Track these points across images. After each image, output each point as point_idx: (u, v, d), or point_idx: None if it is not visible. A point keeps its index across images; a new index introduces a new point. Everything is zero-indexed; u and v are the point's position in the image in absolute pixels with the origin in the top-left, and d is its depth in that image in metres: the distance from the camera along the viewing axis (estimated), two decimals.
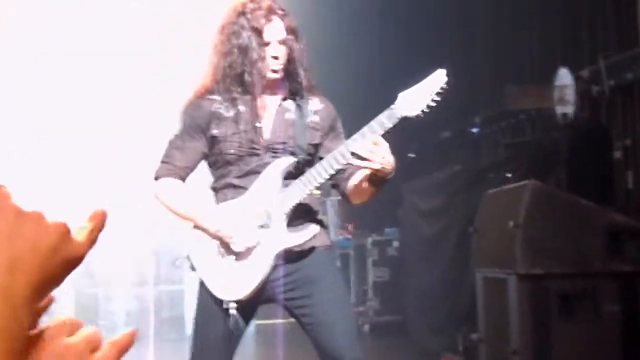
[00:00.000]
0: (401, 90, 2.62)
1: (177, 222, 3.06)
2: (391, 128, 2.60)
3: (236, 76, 2.77)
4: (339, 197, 3.05)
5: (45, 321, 0.71)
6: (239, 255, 2.74)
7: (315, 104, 2.89)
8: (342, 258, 8.25)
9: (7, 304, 0.62)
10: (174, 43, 7.68)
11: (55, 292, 0.72)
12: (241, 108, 2.78)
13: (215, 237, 2.76)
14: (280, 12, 2.80)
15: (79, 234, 0.70)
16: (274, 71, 2.79)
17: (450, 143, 7.89)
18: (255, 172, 2.79)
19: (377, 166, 2.57)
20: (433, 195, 6.53)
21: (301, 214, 2.79)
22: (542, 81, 5.62)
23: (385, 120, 2.60)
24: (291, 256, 2.77)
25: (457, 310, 5.70)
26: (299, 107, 2.86)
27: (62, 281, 0.68)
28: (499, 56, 7.06)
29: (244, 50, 2.75)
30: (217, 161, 2.84)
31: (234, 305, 2.72)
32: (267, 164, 2.78)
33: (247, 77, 2.75)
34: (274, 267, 2.75)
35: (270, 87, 2.83)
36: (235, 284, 2.73)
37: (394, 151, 2.60)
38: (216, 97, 2.82)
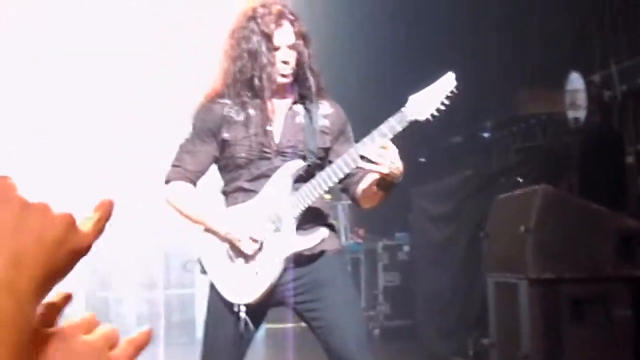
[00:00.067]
0: (410, 94, 2.63)
1: (187, 226, 3.07)
2: (401, 131, 2.60)
3: (246, 80, 2.78)
4: (350, 202, 3.05)
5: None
6: (248, 259, 2.75)
7: (325, 108, 2.90)
8: (353, 262, 8.24)
9: (12, 298, 0.62)
10: (174, 43, 7.69)
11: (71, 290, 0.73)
12: (251, 112, 2.79)
13: (225, 240, 2.77)
14: (290, 16, 2.81)
15: (85, 225, 0.70)
16: (284, 76, 2.80)
17: (461, 148, 7.87)
18: (266, 175, 2.79)
19: (385, 170, 2.57)
20: (444, 200, 6.52)
21: (311, 218, 2.79)
22: (554, 86, 5.60)
23: (396, 123, 2.60)
24: (301, 260, 2.77)
25: (467, 315, 5.68)
26: (308, 111, 2.86)
27: (68, 272, 0.68)
28: (510, 60, 7.04)
29: (253, 54, 2.76)
30: (228, 165, 2.85)
31: (244, 308, 2.72)
32: (278, 167, 2.79)
33: (256, 82, 2.76)
34: (284, 271, 2.75)
35: (280, 91, 2.84)
36: (245, 287, 2.74)
37: (405, 156, 2.60)
38: (227, 101, 2.83)
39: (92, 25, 7.59)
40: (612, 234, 3.90)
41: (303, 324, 2.90)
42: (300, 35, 2.81)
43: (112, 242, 7.90)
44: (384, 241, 8.15)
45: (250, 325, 2.74)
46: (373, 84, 8.25)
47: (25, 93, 7.49)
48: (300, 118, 2.86)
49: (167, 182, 2.89)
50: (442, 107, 2.62)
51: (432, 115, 2.62)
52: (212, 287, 2.81)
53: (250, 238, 2.73)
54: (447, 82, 2.63)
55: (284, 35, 2.78)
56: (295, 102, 2.88)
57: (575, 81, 5.19)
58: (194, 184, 2.88)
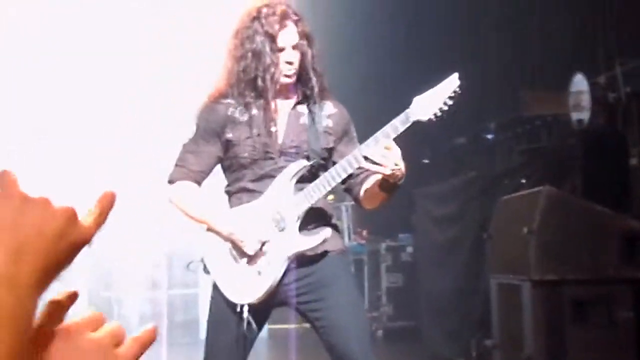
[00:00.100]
0: (414, 96, 2.63)
1: (191, 226, 3.07)
2: (404, 131, 2.61)
3: (250, 81, 2.79)
4: (353, 203, 3.06)
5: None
6: (252, 259, 2.75)
7: (328, 108, 2.90)
8: (356, 263, 8.24)
9: (12, 292, 0.62)
10: (174, 43, 7.69)
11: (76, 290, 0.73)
12: (255, 112, 2.80)
13: (228, 240, 2.77)
14: (294, 17, 2.81)
15: (87, 218, 0.70)
16: (287, 76, 2.80)
17: (465, 149, 7.87)
18: (270, 176, 2.80)
19: (388, 172, 2.57)
20: (447, 201, 6.52)
21: (315, 218, 2.80)
22: (558, 87, 5.60)
23: (399, 124, 2.60)
24: (304, 260, 2.77)
25: (470, 316, 5.68)
26: (312, 111, 2.87)
27: (68, 265, 0.68)
28: (514, 62, 7.04)
29: (257, 55, 2.76)
30: (232, 165, 2.86)
31: (246, 308, 2.72)
32: (282, 168, 2.79)
33: (260, 82, 2.77)
34: (287, 271, 2.75)
35: (284, 91, 2.85)
36: (248, 287, 2.74)
37: (408, 157, 2.61)
38: (230, 101, 2.83)
39: (92, 25, 7.60)
40: (616, 235, 3.89)
41: (306, 325, 2.90)
42: (304, 36, 2.81)
43: (115, 242, 7.91)
44: (387, 242, 8.15)
45: (253, 325, 2.75)
46: (376, 84, 8.25)
47: (25, 93, 7.49)
48: (304, 118, 2.86)
49: (170, 182, 2.89)
50: (446, 108, 2.62)
51: (436, 115, 2.62)
52: (215, 287, 2.82)
53: (254, 238, 2.73)
54: (451, 83, 2.64)
55: (288, 36, 2.78)
56: (298, 103, 2.88)
57: (580, 83, 5.19)
58: (198, 184, 2.89)
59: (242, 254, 2.76)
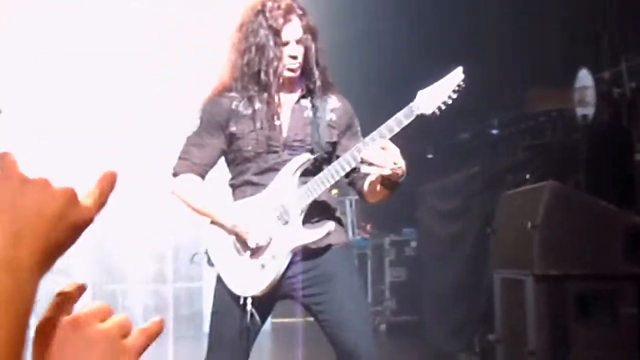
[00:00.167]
0: (418, 90, 2.64)
1: (195, 219, 3.08)
2: (408, 125, 2.61)
3: (253, 74, 2.79)
4: (357, 197, 3.06)
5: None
6: (255, 252, 2.76)
7: (332, 102, 2.91)
8: (360, 258, 8.25)
9: (12, 276, 0.63)
10: (174, 43, 7.69)
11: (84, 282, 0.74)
12: (258, 106, 2.80)
13: (232, 233, 2.78)
14: (299, 11, 2.81)
15: (87, 198, 0.70)
16: (291, 70, 2.80)
17: (469, 144, 7.87)
18: (274, 169, 2.80)
19: (387, 172, 2.57)
20: (451, 196, 6.52)
21: (318, 212, 2.80)
22: (563, 83, 5.59)
23: (403, 118, 2.61)
24: (308, 253, 2.78)
25: (473, 311, 5.68)
26: (316, 105, 2.87)
27: (69, 247, 0.68)
28: (519, 58, 7.03)
29: (261, 49, 2.77)
30: (236, 158, 2.86)
31: (250, 300, 2.73)
32: (285, 161, 2.80)
33: (263, 76, 2.77)
34: (291, 264, 2.76)
35: (288, 85, 2.85)
36: (251, 279, 2.75)
37: (413, 152, 2.61)
38: (234, 94, 2.83)
39: (92, 25, 7.60)
40: (620, 231, 3.89)
41: (309, 319, 2.91)
42: (308, 30, 2.81)
43: (119, 235, 7.93)
44: (391, 237, 8.16)
45: (257, 317, 2.76)
46: (381, 79, 8.25)
47: (25, 93, 7.50)
48: (308, 112, 2.87)
49: (174, 174, 2.90)
50: (450, 102, 2.63)
51: (439, 109, 2.63)
52: (219, 279, 2.83)
53: (258, 231, 2.74)
54: (456, 77, 2.64)
55: (292, 30, 2.78)
56: (302, 96, 2.89)
57: (584, 78, 5.18)
58: (202, 177, 2.89)
59: (245, 246, 2.77)
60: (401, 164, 2.58)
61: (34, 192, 0.66)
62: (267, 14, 2.77)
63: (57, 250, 0.67)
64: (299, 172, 2.79)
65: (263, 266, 2.75)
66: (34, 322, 0.67)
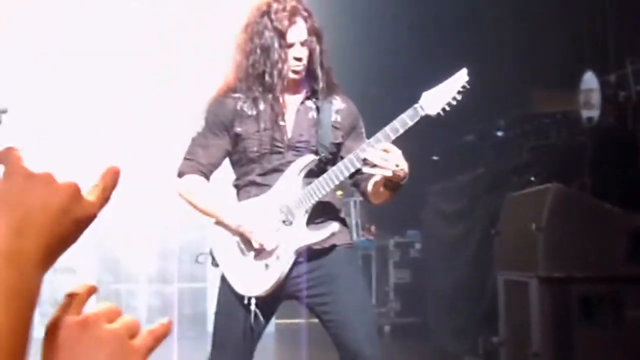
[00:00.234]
0: (423, 91, 2.64)
1: (200, 219, 3.09)
2: (413, 126, 2.61)
3: (258, 76, 2.80)
4: (362, 198, 3.07)
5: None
6: (259, 252, 2.76)
7: (337, 103, 2.91)
8: (364, 259, 8.25)
9: (16, 266, 0.63)
10: (174, 43, 7.69)
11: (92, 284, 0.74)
12: (262, 107, 2.81)
13: (236, 233, 2.79)
14: (304, 13, 2.82)
15: (91, 193, 0.71)
16: (295, 72, 2.81)
17: (474, 146, 7.86)
18: (278, 170, 2.81)
19: (389, 173, 2.58)
20: (456, 198, 6.52)
21: (323, 212, 2.81)
22: (568, 85, 5.59)
23: (408, 119, 2.61)
24: (312, 253, 2.79)
25: (477, 313, 5.68)
26: (320, 106, 2.87)
27: (73, 242, 0.69)
28: (524, 59, 7.02)
29: (266, 50, 2.77)
30: (240, 159, 2.87)
31: (254, 301, 2.74)
32: (290, 162, 2.80)
33: (267, 78, 2.78)
34: (295, 264, 2.77)
35: (292, 86, 2.86)
36: (255, 280, 2.76)
37: (417, 154, 2.61)
38: (239, 95, 2.84)
39: (92, 25, 7.60)
40: (624, 233, 3.89)
41: (313, 320, 2.91)
42: (313, 32, 2.82)
43: (124, 235, 7.94)
44: (396, 238, 8.15)
45: (261, 318, 2.76)
46: (387, 80, 8.25)
47: (25, 93, 7.51)
48: (313, 113, 2.88)
49: (179, 175, 2.91)
50: (454, 103, 2.63)
51: (444, 110, 2.63)
52: (223, 279, 2.83)
53: (262, 232, 2.74)
54: (460, 78, 2.64)
55: (297, 32, 2.79)
56: (307, 98, 2.89)
57: (590, 80, 5.18)
58: (207, 177, 2.90)
59: (250, 247, 2.77)
60: (403, 166, 2.59)
61: (39, 187, 0.67)
62: (273, 16, 2.77)
63: (61, 245, 0.68)
64: (303, 173, 2.79)
65: (267, 266, 2.75)
66: (38, 320, 0.67)
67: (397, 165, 2.56)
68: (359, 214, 8.55)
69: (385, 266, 8.18)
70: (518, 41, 7.17)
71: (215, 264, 2.85)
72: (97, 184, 0.73)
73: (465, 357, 5.79)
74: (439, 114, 2.63)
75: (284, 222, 2.77)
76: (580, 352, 3.78)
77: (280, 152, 2.82)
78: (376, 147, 2.59)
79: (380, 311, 7.93)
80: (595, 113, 5.07)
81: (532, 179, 5.30)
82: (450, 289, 6.23)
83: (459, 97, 2.63)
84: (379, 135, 2.64)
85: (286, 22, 2.77)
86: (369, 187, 2.84)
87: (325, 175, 2.74)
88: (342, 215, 2.96)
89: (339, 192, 3.09)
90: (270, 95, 2.80)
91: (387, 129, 2.63)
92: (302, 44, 2.79)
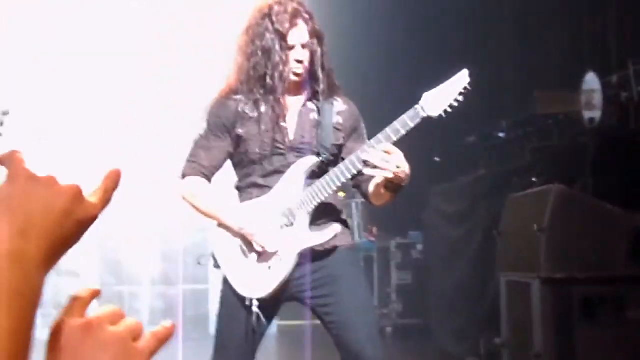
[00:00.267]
0: (423, 93, 2.64)
1: (202, 221, 3.09)
2: (414, 127, 2.62)
3: (259, 78, 2.80)
4: (364, 200, 3.07)
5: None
6: (261, 254, 2.77)
7: (338, 105, 2.92)
8: (366, 261, 8.25)
9: (19, 267, 0.64)
10: (174, 43, 7.70)
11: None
12: (264, 109, 2.81)
13: (238, 235, 2.79)
14: (305, 15, 2.82)
15: (93, 195, 0.72)
16: (296, 74, 2.81)
17: (476, 147, 7.86)
18: (280, 171, 2.82)
19: (390, 175, 2.58)
20: (457, 199, 6.52)
21: (325, 214, 2.81)
22: (570, 86, 5.59)
23: (409, 120, 2.62)
24: (314, 255, 2.79)
25: (479, 314, 5.68)
26: (322, 108, 2.88)
27: (75, 243, 0.70)
28: (526, 60, 7.02)
29: (267, 52, 2.78)
30: (242, 161, 2.88)
31: (256, 302, 2.74)
32: (292, 163, 2.81)
33: (268, 80, 2.78)
34: (297, 266, 2.77)
35: (294, 88, 2.86)
36: (258, 281, 2.76)
37: (419, 155, 2.62)
38: (241, 97, 2.85)
39: (92, 25, 7.60)
40: (626, 234, 3.89)
41: (316, 322, 2.91)
42: (315, 34, 2.83)
43: (127, 237, 7.95)
44: (398, 240, 8.15)
45: (263, 319, 2.77)
46: (389, 82, 8.25)
47: (25, 93, 7.51)
48: (314, 115, 2.88)
49: (182, 177, 2.91)
50: (456, 104, 2.63)
51: (445, 111, 2.63)
52: (225, 281, 2.84)
53: (264, 233, 2.75)
54: (461, 79, 2.65)
55: (298, 35, 2.79)
56: (309, 99, 2.90)
57: (591, 81, 5.17)
58: (209, 179, 2.91)
59: (251, 248, 2.78)
60: (404, 168, 2.59)
61: (41, 189, 0.68)
62: (274, 18, 2.78)
63: (64, 246, 0.69)
64: (305, 175, 2.80)
65: (269, 268, 2.76)
66: (40, 321, 0.68)
67: (398, 167, 2.56)
68: (361, 216, 8.55)
69: (387, 268, 8.18)
70: (520, 42, 7.17)
71: (217, 265, 2.86)
72: (99, 186, 0.74)
73: (467, 358, 5.79)
74: (440, 115, 2.63)
75: (285, 223, 2.77)
76: (582, 353, 3.78)
77: (281, 154, 2.82)
78: (377, 149, 2.59)
79: (382, 312, 7.93)
80: (597, 114, 5.07)
81: (534, 180, 5.30)
82: (452, 290, 6.23)
83: (460, 99, 2.63)
84: (380, 136, 2.64)
85: (287, 25, 2.77)
86: (370, 188, 2.84)
87: (326, 176, 2.75)
88: (344, 216, 2.97)
89: (342, 194, 3.09)
90: (271, 97, 2.80)
91: (388, 130, 2.63)
92: (303, 46, 2.80)
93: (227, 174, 3.01)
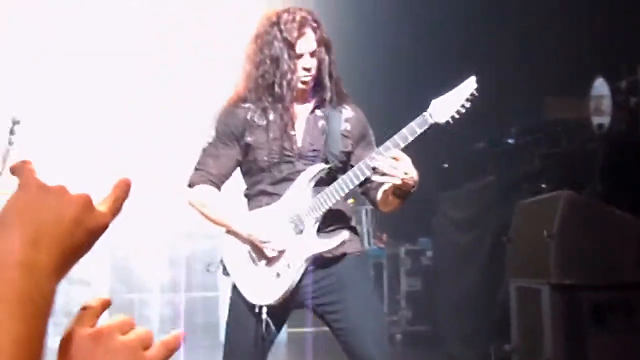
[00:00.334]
0: (432, 99, 2.65)
1: (211, 229, 3.10)
2: (422, 134, 2.62)
3: (268, 86, 2.82)
4: (373, 207, 3.07)
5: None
6: (270, 261, 2.78)
7: (346, 113, 2.93)
8: (375, 267, 8.24)
9: (31, 276, 0.65)
10: (174, 43, 7.70)
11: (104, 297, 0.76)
12: (272, 117, 2.82)
13: (247, 242, 2.80)
14: (313, 24, 2.83)
15: (103, 204, 0.73)
16: (304, 82, 2.83)
17: (485, 153, 7.84)
18: (289, 179, 2.82)
19: (398, 181, 2.59)
20: (467, 206, 6.51)
21: (333, 221, 2.82)
22: (579, 92, 5.58)
23: (417, 127, 2.62)
24: (323, 262, 2.80)
25: (489, 321, 5.66)
26: (330, 115, 2.89)
27: (86, 252, 0.71)
28: (536, 66, 7.01)
29: (275, 61, 2.79)
30: (251, 169, 2.89)
31: (265, 309, 2.75)
32: (300, 171, 2.82)
33: (277, 88, 2.80)
34: (306, 273, 2.78)
35: (302, 96, 2.87)
36: (266, 288, 2.77)
37: (428, 161, 2.62)
38: (250, 105, 2.86)
39: (92, 25, 7.61)
40: (636, 240, 3.88)
41: (325, 329, 2.91)
42: (322, 42, 2.84)
43: (136, 245, 7.96)
44: (407, 246, 8.14)
45: (272, 326, 2.77)
46: (396, 88, 8.25)
47: (25, 93, 7.52)
48: (322, 122, 2.89)
49: (190, 185, 2.92)
50: (463, 111, 2.64)
51: (452, 118, 2.64)
52: (234, 288, 2.85)
53: (273, 241, 2.75)
54: (469, 86, 2.65)
55: (306, 43, 2.81)
56: (317, 107, 2.91)
57: (600, 87, 5.17)
58: (218, 187, 2.92)
59: (261, 255, 2.79)
60: (412, 174, 2.60)
61: (52, 199, 0.69)
62: (282, 27, 2.79)
63: (74, 255, 0.70)
64: (313, 182, 2.81)
65: (278, 275, 2.76)
66: (51, 329, 0.69)
67: (406, 173, 2.57)
68: (370, 222, 8.55)
69: (396, 274, 8.16)
70: (528, 48, 7.16)
71: (226, 273, 2.87)
72: (109, 195, 0.75)
73: None
74: (447, 122, 2.64)
75: (294, 230, 2.78)
76: (592, 359, 3.77)
77: (290, 162, 2.83)
78: (385, 155, 2.60)
79: (392, 319, 7.92)
80: (606, 120, 5.06)
81: (544, 186, 5.29)
82: (462, 297, 6.22)
83: (467, 105, 2.64)
84: (388, 143, 2.65)
85: (295, 33, 2.79)
86: (379, 195, 2.85)
87: (335, 183, 2.76)
88: (353, 223, 2.97)
89: (351, 201, 3.10)
90: (279, 105, 2.82)
91: (396, 137, 2.64)
92: (311, 54, 2.81)
93: (236, 181, 3.02)
